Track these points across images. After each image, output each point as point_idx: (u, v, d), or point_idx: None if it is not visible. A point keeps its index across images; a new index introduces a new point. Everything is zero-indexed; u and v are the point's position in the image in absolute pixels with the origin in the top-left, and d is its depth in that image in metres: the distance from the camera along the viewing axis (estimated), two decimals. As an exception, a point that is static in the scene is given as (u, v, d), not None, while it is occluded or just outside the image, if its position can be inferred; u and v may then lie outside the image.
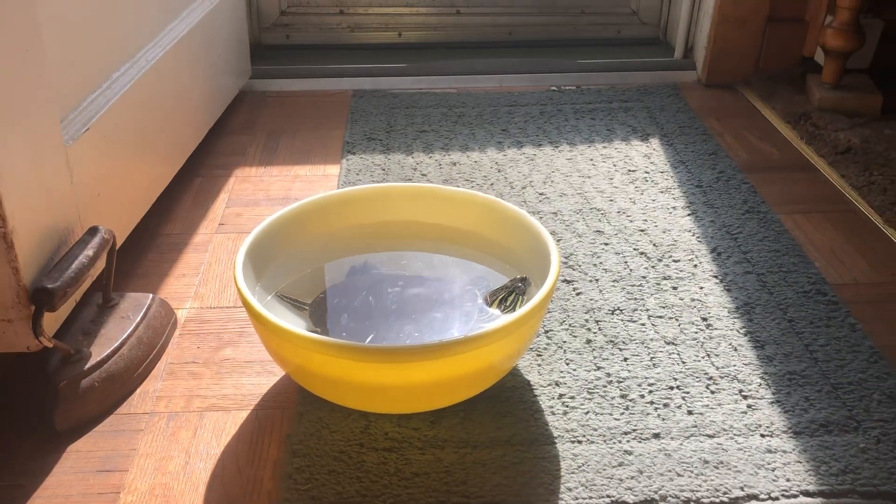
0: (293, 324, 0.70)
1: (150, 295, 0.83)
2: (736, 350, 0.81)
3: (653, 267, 0.93)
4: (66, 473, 0.68)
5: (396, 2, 1.58)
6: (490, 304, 0.77)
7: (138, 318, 0.79)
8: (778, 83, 1.39)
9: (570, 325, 0.84)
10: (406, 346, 0.66)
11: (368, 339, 0.73)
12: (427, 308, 0.77)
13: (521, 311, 0.66)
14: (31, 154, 0.69)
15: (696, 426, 0.72)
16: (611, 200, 1.07)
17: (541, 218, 1.02)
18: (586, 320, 0.85)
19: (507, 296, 0.76)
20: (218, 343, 0.83)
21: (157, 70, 0.96)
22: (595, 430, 0.71)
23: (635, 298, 0.88)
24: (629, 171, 1.15)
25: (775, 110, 1.33)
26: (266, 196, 1.11)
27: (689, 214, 1.04)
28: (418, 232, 0.85)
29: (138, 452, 0.70)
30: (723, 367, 0.78)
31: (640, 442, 0.70)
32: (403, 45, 1.60)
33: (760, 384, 0.76)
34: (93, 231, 0.75)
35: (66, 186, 0.75)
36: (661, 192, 1.09)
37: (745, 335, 0.83)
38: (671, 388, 0.76)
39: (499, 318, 0.74)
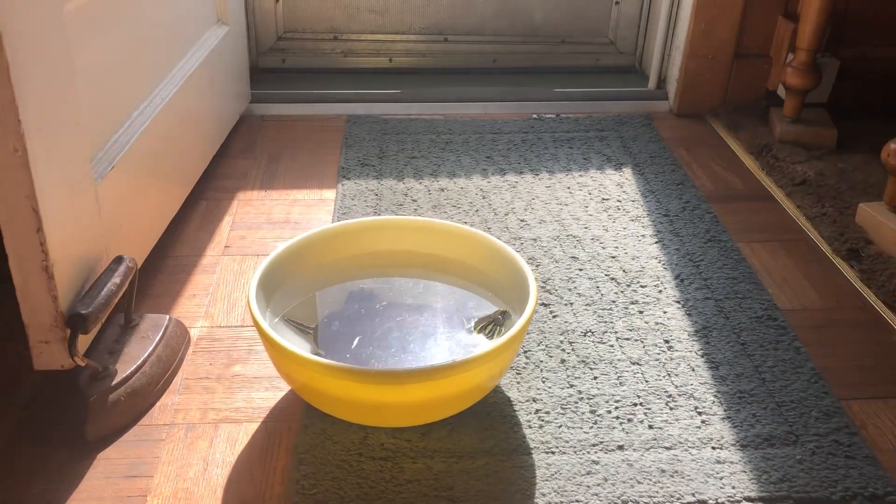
0: (299, 346, 0.79)
1: (168, 316, 0.91)
2: (693, 370, 0.91)
3: (622, 292, 1.03)
4: (97, 479, 0.76)
5: (387, 29, 1.67)
6: (473, 330, 0.86)
7: (157, 338, 0.88)
8: (743, 115, 1.49)
9: (546, 345, 0.94)
10: (402, 370, 0.75)
11: (368, 361, 0.82)
12: (419, 333, 0.86)
13: (503, 337, 0.75)
14: (67, 192, 0.78)
15: (655, 439, 0.81)
16: (586, 227, 1.17)
17: (521, 244, 1.12)
18: (561, 341, 0.94)
19: (488, 324, 0.86)
20: (228, 360, 0.91)
21: (170, 106, 1.05)
22: (567, 442, 0.81)
23: (605, 321, 0.98)
24: (603, 199, 1.24)
25: (740, 140, 1.43)
26: (268, 220, 1.19)
27: (656, 242, 1.14)
28: (411, 261, 0.94)
29: (161, 460, 0.78)
30: (681, 386, 0.88)
31: (605, 453, 0.80)
32: (394, 70, 1.69)
33: (714, 401, 0.86)
34: (118, 260, 0.84)
35: (96, 220, 0.84)
36: (632, 220, 1.19)
37: (703, 356, 0.93)
38: (635, 404, 0.86)
39: (483, 345, 0.84)
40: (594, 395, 0.86)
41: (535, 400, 0.86)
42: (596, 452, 0.80)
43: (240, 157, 1.37)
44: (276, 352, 0.75)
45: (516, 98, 1.57)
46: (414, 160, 1.35)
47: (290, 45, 1.66)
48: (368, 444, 0.79)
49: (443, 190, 1.26)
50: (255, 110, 1.52)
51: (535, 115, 1.52)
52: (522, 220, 1.18)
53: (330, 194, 1.26)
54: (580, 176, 1.31)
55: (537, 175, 1.31)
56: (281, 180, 1.30)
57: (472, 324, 0.87)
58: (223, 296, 1.02)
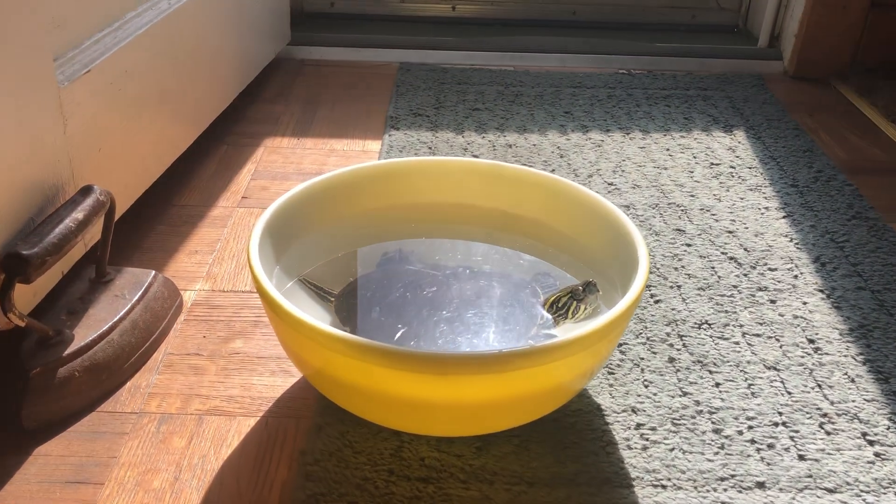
0: (315, 317, 0.57)
1: (152, 272, 0.70)
2: (853, 382, 0.66)
3: (745, 275, 0.79)
4: (27, 482, 0.55)
5: (452, -28, 1.45)
6: (543, 306, 0.63)
7: (135, 298, 0.67)
8: (880, 77, 1.23)
9: (647, 338, 0.70)
10: (455, 355, 0.52)
11: (398, 338, 0.60)
12: (477, 308, 0.63)
13: (602, 319, 0.52)
14: (11, 89, 0.57)
15: (811, 476, 0.57)
16: (692, 196, 0.92)
17: (611, 211, 0.88)
18: (668, 334, 0.70)
19: (564, 297, 0.62)
20: (228, 333, 0.70)
21: (179, 16, 0.84)
22: (683, 472, 0.57)
23: (726, 311, 0.74)
24: (712, 164, 1.00)
25: (877, 107, 1.17)
26: (297, 169, 0.98)
27: (784, 217, 0.89)
28: (470, 217, 0.72)
29: (119, 462, 0.57)
30: (839, 403, 0.64)
31: (740, 492, 0.56)
32: (457, 20, 1.47)
33: (889, 427, 0.61)
34: (86, 191, 0.63)
35: (57, 135, 0.63)
36: (751, 189, 0.94)
37: (863, 363, 0.68)
38: (776, 424, 0.61)
39: (573, 329, 0.61)
40: (717, 409, 0.63)
41: (635, 410, 0.62)
42: (725, 490, 0.56)
43: (272, 101, 1.16)
44: (281, 320, 0.53)
45: (600, 51, 1.33)
46: (476, 112, 1.12)
47: (340, -14, 1.45)
48: (403, 458, 0.57)
49: (511, 146, 1.03)
50: (294, 53, 1.31)
51: (623, 71, 1.28)
52: (611, 184, 0.94)
53: (374, 145, 1.04)
54: (682, 137, 1.06)
55: (628, 134, 1.07)
56: (317, 128, 1.08)
57: (542, 298, 0.63)
58: (232, 254, 0.81)
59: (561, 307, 0.61)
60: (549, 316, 0.62)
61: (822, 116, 1.16)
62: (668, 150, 1.03)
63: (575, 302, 0.61)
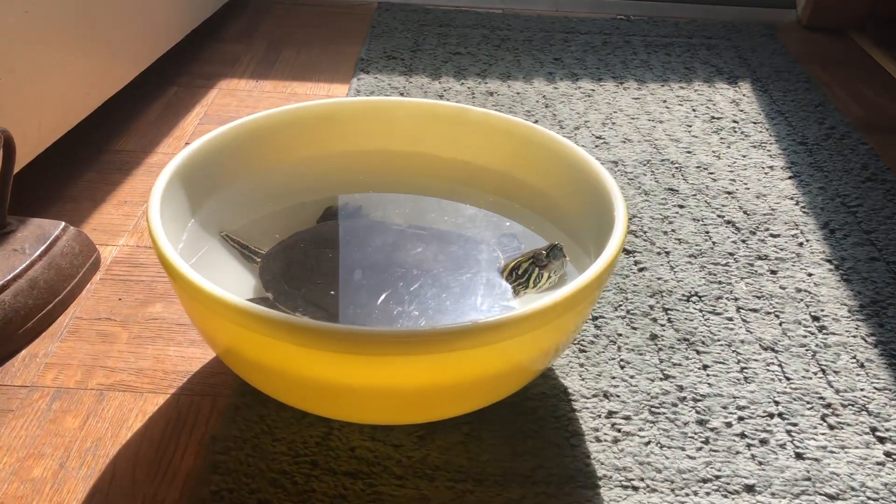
0: (234, 281, 0.49)
1: (62, 224, 0.61)
2: (863, 367, 0.57)
3: (743, 241, 0.70)
4: None
5: None
6: (502, 273, 0.54)
7: (37, 254, 0.58)
8: (902, 28, 1.12)
9: (627, 311, 0.61)
10: (383, 332, 0.43)
11: (328, 308, 0.51)
12: (426, 275, 0.54)
13: (566, 289, 0.43)
14: None
15: (809, 479, 0.48)
16: (688, 152, 0.83)
17: (596, 167, 0.79)
18: (651, 307, 0.61)
19: (524, 263, 0.53)
20: (148, 295, 0.61)
21: (111, -67, 0.74)
22: (658, 471, 0.48)
23: (720, 282, 0.64)
24: (712, 118, 0.90)
25: (897, 61, 1.07)
26: (251, 114, 0.88)
27: (790, 177, 0.79)
28: (428, 169, 0.62)
29: (-2, 444, 0.49)
30: (846, 392, 0.55)
31: (725, 496, 0.47)
32: (445, -41, 1.35)
33: (903, 422, 0.53)
34: (-27, 127, 0.54)
35: (-64, 60, 0.54)
36: (754, 146, 0.85)
37: (875, 346, 0.59)
38: (770, 415, 0.53)
39: (535, 300, 0.52)
40: (704, 396, 0.54)
41: (607, 396, 0.53)
42: (708, 493, 0.47)
43: (234, 40, 1.06)
44: (178, 285, 0.44)
45: (597, -6, 1.22)
46: (457, 56, 1.02)
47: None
48: (331, 448, 0.48)
49: (492, 94, 0.93)
50: (263, -10, 1.20)
51: (621, 16, 1.17)
52: (599, 137, 0.85)
53: (341, 90, 0.94)
54: (681, 88, 0.96)
55: (622, 83, 0.97)
56: (280, 70, 0.99)
57: (502, 264, 0.54)
58: (166, 206, 0.72)
59: (521, 275, 0.52)
60: (508, 285, 0.53)
61: (837, 69, 1.06)
62: (664, 101, 0.93)
63: (537, 269, 0.51)
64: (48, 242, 0.59)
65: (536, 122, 0.87)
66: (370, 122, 0.61)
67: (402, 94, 0.92)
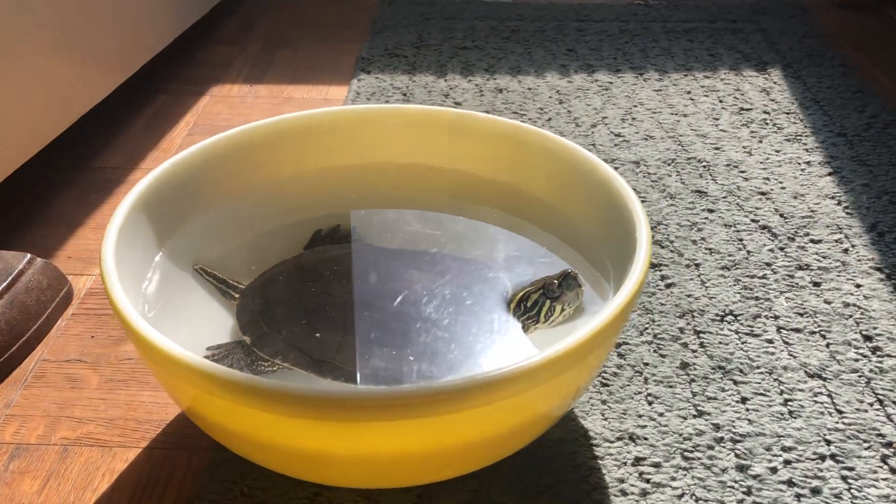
0: (205, 324, 0.43)
1: (27, 256, 0.56)
2: (925, 396, 0.50)
3: (781, 249, 0.63)
4: None
5: None
6: (509, 305, 0.47)
7: (-2, 291, 0.53)
8: (945, 3, 1.04)
9: (654, 335, 0.54)
10: (370, 393, 0.36)
11: (312, 356, 0.45)
12: (428, 305, 0.48)
13: (583, 332, 0.36)
14: None
15: (871, 538, 0.42)
16: (716, 149, 0.76)
17: (616, 168, 0.72)
18: (681, 329, 0.55)
19: (531, 294, 0.46)
20: (122, 333, 0.56)
21: (80, -67, 0.68)
22: (695, 531, 0.42)
23: (757, 298, 0.58)
24: (741, 109, 0.83)
25: (941, 38, 0.98)
26: (244, 122, 0.82)
27: (830, 173, 0.72)
28: (426, 182, 0.56)
29: (-52, 514, 0.43)
30: (907, 427, 0.48)
31: (773, 561, 0.41)
32: (451, -53, 1.28)
33: (977, 463, 0.46)
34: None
35: None
36: (788, 140, 0.78)
37: (937, 370, 0.52)
38: (822, 456, 0.46)
39: (550, 334, 0.45)
40: (744, 436, 0.47)
41: (633, 439, 0.47)
42: (753, 557, 0.41)
43: (229, 41, 1.00)
44: (134, 338, 0.38)
45: (613, -22, 1.14)
46: (464, 51, 0.95)
47: None
48: (319, 511, 0.43)
49: (501, 90, 0.86)
50: (259, -13, 1.14)
51: (639, 1, 1.10)
52: (618, 135, 0.78)
53: (339, 92, 0.88)
54: (706, 78, 0.89)
55: (641, 75, 0.90)
56: (276, 72, 0.93)
57: (509, 294, 0.48)
58: (147, 228, 0.66)
59: (531, 307, 0.46)
60: (517, 321, 0.46)
61: (875, 50, 0.98)
62: (688, 92, 0.86)
63: (549, 301, 0.45)
64: (10, 278, 0.54)
65: (550, 119, 0.81)
66: (360, 133, 0.55)
67: (404, 95, 0.85)
